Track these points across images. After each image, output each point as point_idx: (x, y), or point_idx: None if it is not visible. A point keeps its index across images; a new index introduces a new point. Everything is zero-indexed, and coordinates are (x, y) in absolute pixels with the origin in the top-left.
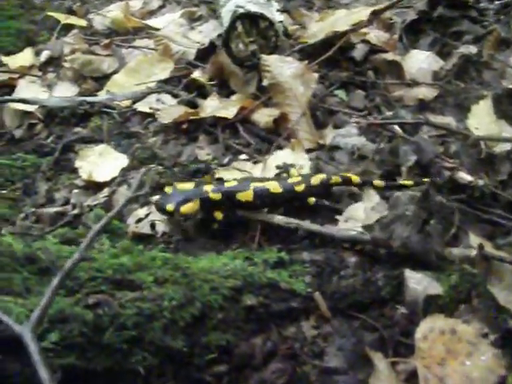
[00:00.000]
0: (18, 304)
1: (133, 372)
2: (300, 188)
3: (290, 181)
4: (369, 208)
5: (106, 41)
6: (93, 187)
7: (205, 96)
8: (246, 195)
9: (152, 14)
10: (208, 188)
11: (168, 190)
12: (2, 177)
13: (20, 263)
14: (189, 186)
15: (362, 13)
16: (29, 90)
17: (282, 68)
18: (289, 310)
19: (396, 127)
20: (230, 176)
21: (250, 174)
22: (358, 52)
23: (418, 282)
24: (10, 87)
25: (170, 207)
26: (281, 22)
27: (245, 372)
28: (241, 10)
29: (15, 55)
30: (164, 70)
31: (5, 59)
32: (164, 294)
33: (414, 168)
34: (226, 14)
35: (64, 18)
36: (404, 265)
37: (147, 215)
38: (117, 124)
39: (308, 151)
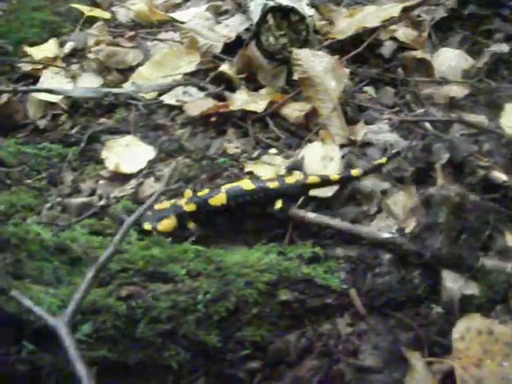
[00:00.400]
0: (50, 294)
1: (164, 367)
2: (273, 185)
3: (263, 178)
4: (408, 206)
5: (131, 33)
6: (119, 178)
7: (232, 89)
8: (219, 199)
9: (176, 7)
10: (181, 202)
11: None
12: (28, 166)
13: (51, 252)
14: (166, 205)
15: (393, 9)
16: (53, 80)
17: (314, 62)
18: (324, 306)
19: (427, 125)
20: (260, 170)
21: (280, 168)
22: (387, 49)
23: (455, 282)
24: (33, 78)
25: (147, 226)
26: (311, 16)
27: (279, 369)
28: (272, 4)
29: (39, 46)
30: (190, 63)
31: (29, 50)
32: (198, 287)
33: (447, 166)
34: (256, 8)
35: (88, 10)
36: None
37: None
38: (142, 116)
39: (339, 147)
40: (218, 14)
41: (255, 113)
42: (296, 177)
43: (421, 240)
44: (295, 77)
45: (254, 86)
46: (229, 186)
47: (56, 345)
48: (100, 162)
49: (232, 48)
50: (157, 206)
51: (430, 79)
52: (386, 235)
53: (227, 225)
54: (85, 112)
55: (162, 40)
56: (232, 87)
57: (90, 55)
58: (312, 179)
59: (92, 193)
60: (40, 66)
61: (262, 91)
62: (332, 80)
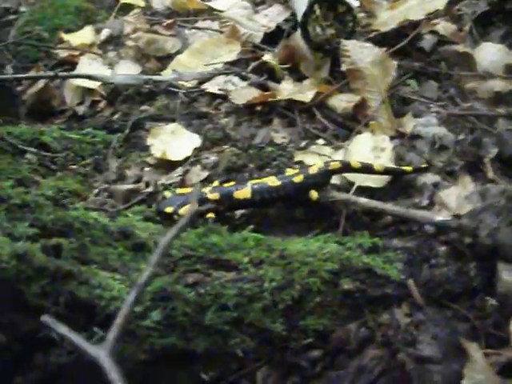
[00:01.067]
0: (117, 280)
1: (228, 354)
2: (298, 179)
3: (287, 173)
4: (462, 197)
5: (169, 21)
6: (165, 166)
7: (275, 79)
8: (244, 192)
9: None
10: (206, 189)
11: (167, 194)
12: (72, 151)
13: (114, 238)
14: (188, 190)
15: (438, 2)
16: (90, 67)
17: (363, 54)
18: (383, 296)
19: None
20: (310, 160)
21: (330, 159)
22: (427, 42)
23: (510, 274)
24: (70, 64)
25: (168, 209)
26: (358, 7)
27: (339, 358)
28: None
29: (75, 33)
30: (230, 52)
31: (65, 37)
32: (263, 275)
33: (495, 160)
34: None
35: None
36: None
37: None
38: (184, 103)
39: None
40: (255, 3)
41: (302, 103)
42: (318, 165)
43: (477, 220)
44: (343, 68)
45: (297, 76)
46: (255, 181)
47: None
48: (145, 149)
49: (272, 38)
50: (179, 191)
51: (473, 73)
52: (440, 218)
53: (277, 213)
54: (124, 99)
55: (200, 28)
56: (274, 77)
57: (128, 42)
58: (334, 165)
59: (138, 180)
60: (77, 53)
61: (306, 82)
62: (380, 72)
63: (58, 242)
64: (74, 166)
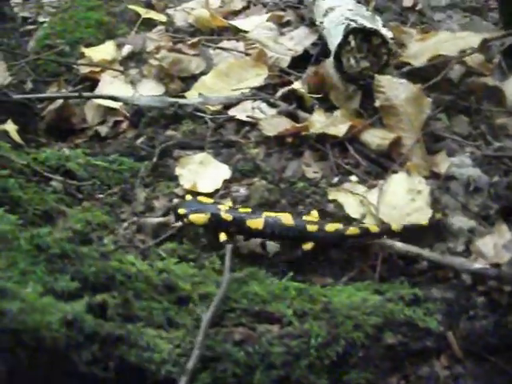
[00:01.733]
0: (164, 338)
1: None
2: (312, 228)
3: (304, 218)
4: (499, 245)
5: (194, 40)
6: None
7: (304, 108)
8: (257, 222)
9: (235, 14)
10: (222, 207)
11: (188, 197)
12: (98, 179)
13: (158, 291)
14: (209, 200)
15: (471, 39)
16: (112, 85)
17: (397, 90)
18: (424, 348)
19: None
20: (344, 199)
21: (363, 198)
22: (455, 73)
23: None
24: (91, 80)
25: (181, 211)
26: (392, 39)
27: None
28: (354, 25)
29: (96, 47)
30: (257, 76)
31: (86, 51)
32: (309, 330)
33: None
34: (334, 26)
35: (144, 12)
36: None
37: None
38: (209, 129)
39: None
40: (281, 24)
41: (334, 136)
42: (336, 226)
43: None
44: (377, 104)
45: (327, 105)
46: (270, 214)
47: None
48: (173, 178)
49: (299, 62)
50: (200, 198)
51: (504, 110)
52: (478, 266)
53: (311, 253)
54: (149, 121)
55: (225, 49)
56: (303, 105)
57: (152, 61)
58: (352, 230)
59: (167, 212)
60: (98, 69)
61: (337, 113)
62: (415, 109)
63: (104, 300)
64: (100, 196)
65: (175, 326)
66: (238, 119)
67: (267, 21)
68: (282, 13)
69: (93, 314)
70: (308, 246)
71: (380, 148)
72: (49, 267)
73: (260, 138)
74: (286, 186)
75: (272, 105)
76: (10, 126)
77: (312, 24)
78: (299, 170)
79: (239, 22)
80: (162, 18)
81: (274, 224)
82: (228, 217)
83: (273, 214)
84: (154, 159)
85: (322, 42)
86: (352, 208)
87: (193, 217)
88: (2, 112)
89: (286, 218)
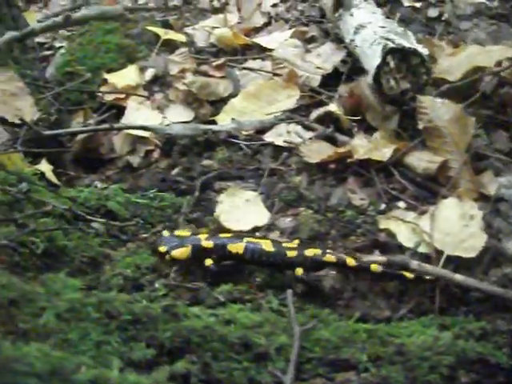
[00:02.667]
0: None
1: None
2: (291, 254)
3: (284, 244)
4: None
5: (219, 61)
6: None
7: (341, 130)
8: (237, 247)
9: (256, 31)
10: (202, 236)
11: (165, 233)
12: (141, 218)
13: (235, 350)
14: (186, 233)
15: (505, 51)
16: (139, 112)
17: (440, 111)
18: None
19: None
20: (396, 228)
21: (415, 226)
22: (488, 85)
23: None
24: (116, 108)
25: (162, 248)
26: (428, 56)
27: None
28: (391, 45)
29: (118, 73)
30: (289, 98)
31: (108, 77)
32: (387, 376)
33: None
34: (366, 45)
35: (163, 33)
36: None
37: None
38: (246, 156)
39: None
40: (305, 40)
41: (378, 161)
42: (315, 251)
43: None
44: (420, 126)
45: (363, 126)
46: (251, 239)
47: None
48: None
49: (328, 80)
50: (177, 232)
51: None
52: None
53: (367, 285)
54: (181, 150)
55: (251, 69)
56: (340, 127)
57: (179, 85)
58: (328, 258)
59: None
60: (123, 96)
61: (377, 135)
62: (459, 130)
63: (187, 369)
64: (144, 235)
65: None
66: (273, 144)
67: (291, 37)
68: (305, 28)
69: (175, 383)
70: (299, 271)
71: (427, 172)
72: (122, 335)
73: (300, 164)
74: (334, 216)
75: (307, 127)
76: (45, 167)
77: (338, 40)
78: (344, 198)
79: (262, 40)
80: (182, 38)
81: (255, 249)
82: (209, 244)
83: (253, 240)
84: (196, 193)
85: (351, 59)
86: (405, 237)
87: (175, 253)
88: (33, 148)
89: (266, 244)
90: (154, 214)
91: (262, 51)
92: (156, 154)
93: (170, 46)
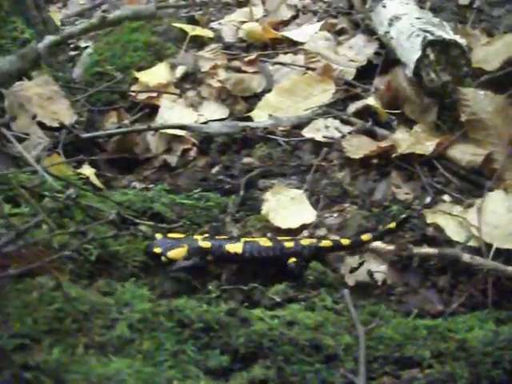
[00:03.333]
0: None
1: None
2: (289, 245)
3: (280, 238)
4: None
5: (251, 56)
6: (287, 232)
7: (379, 124)
8: (236, 247)
9: (285, 24)
10: (198, 237)
11: (158, 236)
12: (187, 219)
13: (306, 353)
14: (180, 235)
15: None
16: (173, 110)
17: (483, 103)
18: None
19: None
20: (444, 222)
21: (462, 219)
22: None
23: None
24: (149, 107)
25: (157, 250)
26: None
27: None
28: (431, 37)
29: (148, 71)
30: (324, 92)
31: (139, 76)
32: (451, 372)
33: None
34: (402, 37)
35: (190, 29)
36: None
37: (361, 263)
38: (285, 152)
39: None
40: (335, 32)
41: (421, 155)
42: (311, 240)
43: None
44: (463, 118)
45: (401, 119)
46: (248, 239)
47: None
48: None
49: (362, 73)
50: (170, 235)
51: None
52: None
53: (417, 280)
54: (220, 148)
55: (284, 64)
56: (378, 121)
57: (212, 82)
58: (325, 243)
59: None
60: (155, 94)
61: (417, 128)
62: (503, 122)
63: (264, 375)
64: None
65: None
66: (311, 139)
67: (320, 30)
68: (334, 20)
69: None
70: (291, 260)
71: (471, 165)
72: (196, 344)
73: (342, 159)
74: (380, 211)
75: (345, 121)
76: (89, 170)
77: (369, 31)
78: (388, 192)
79: (292, 33)
80: (209, 33)
81: (253, 246)
82: (207, 245)
83: (250, 239)
84: (241, 192)
85: (384, 51)
86: (453, 231)
87: (171, 253)
88: (72, 151)
89: (264, 241)
90: (200, 215)
91: (293, 45)
92: (193, 153)
93: (197, 42)
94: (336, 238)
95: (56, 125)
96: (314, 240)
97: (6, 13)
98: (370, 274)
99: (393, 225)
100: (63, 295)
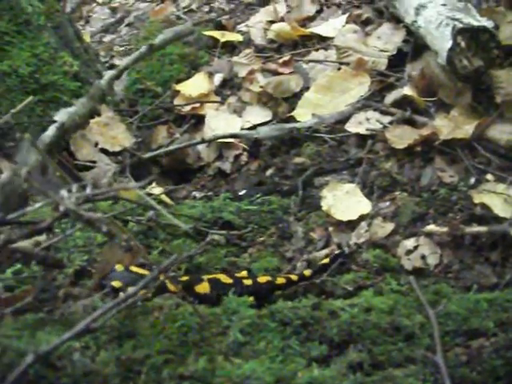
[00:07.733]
0: (410, 376)
1: None
2: (247, 282)
3: (238, 275)
4: None
5: (286, 57)
6: (347, 223)
7: (417, 111)
8: (203, 287)
9: (310, 20)
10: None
11: (119, 267)
12: (254, 223)
13: (388, 334)
14: (143, 271)
15: None
16: (218, 118)
17: None
18: None
19: None
20: (490, 201)
21: (507, 196)
22: None
23: None
24: (194, 117)
25: (116, 283)
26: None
27: None
28: (460, 25)
29: (187, 82)
30: (361, 85)
31: (179, 88)
32: None
33: None
34: (431, 26)
35: (220, 36)
36: None
37: (416, 247)
38: (332, 148)
39: None
40: (362, 22)
41: (462, 138)
42: (267, 277)
43: None
44: (498, 100)
45: (438, 104)
46: (209, 276)
47: None
48: (321, 208)
49: (393, 62)
50: (133, 268)
51: None
52: None
53: (470, 256)
54: (269, 151)
55: (318, 61)
56: (417, 109)
57: (252, 86)
58: (279, 280)
59: (327, 243)
60: (198, 105)
61: (454, 112)
62: None
63: (361, 359)
64: (261, 239)
65: (412, 363)
66: (355, 133)
67: (347, 22)
68: (359, 11)
69: (352, 371)
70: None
71: (510, 143)
72: (298, 338)
73: (387, 150)
74: (429, 196)
75: (384, 112)
76: (157, 189)
77: (394, 19)
78: (434, 177)
79: (320, 29)
80: (239, 37)
81: (217, 285)
82: (176, 288)
83: (210, 276)
84: (300, 192)
85: (412, 38)
86: (500, 208)
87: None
88: (135, 172)
89: (224, 278)
90: (266, 218)
91: (322, 40)
92: (244, 158)
93: (228, 47)
94: (288, 275)
95: (118, 149)
96: (269, 278)
97: (55, 49)
98: (424, 256)
99: (326, 260)
100: (195, 311)
